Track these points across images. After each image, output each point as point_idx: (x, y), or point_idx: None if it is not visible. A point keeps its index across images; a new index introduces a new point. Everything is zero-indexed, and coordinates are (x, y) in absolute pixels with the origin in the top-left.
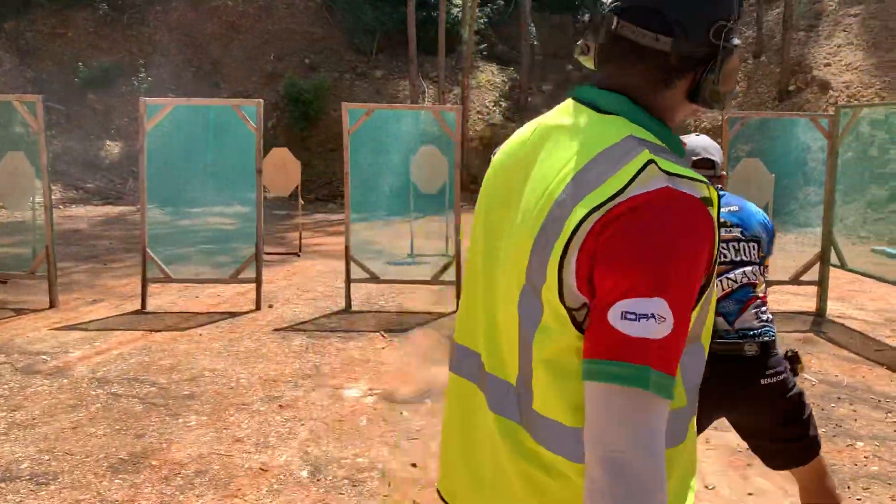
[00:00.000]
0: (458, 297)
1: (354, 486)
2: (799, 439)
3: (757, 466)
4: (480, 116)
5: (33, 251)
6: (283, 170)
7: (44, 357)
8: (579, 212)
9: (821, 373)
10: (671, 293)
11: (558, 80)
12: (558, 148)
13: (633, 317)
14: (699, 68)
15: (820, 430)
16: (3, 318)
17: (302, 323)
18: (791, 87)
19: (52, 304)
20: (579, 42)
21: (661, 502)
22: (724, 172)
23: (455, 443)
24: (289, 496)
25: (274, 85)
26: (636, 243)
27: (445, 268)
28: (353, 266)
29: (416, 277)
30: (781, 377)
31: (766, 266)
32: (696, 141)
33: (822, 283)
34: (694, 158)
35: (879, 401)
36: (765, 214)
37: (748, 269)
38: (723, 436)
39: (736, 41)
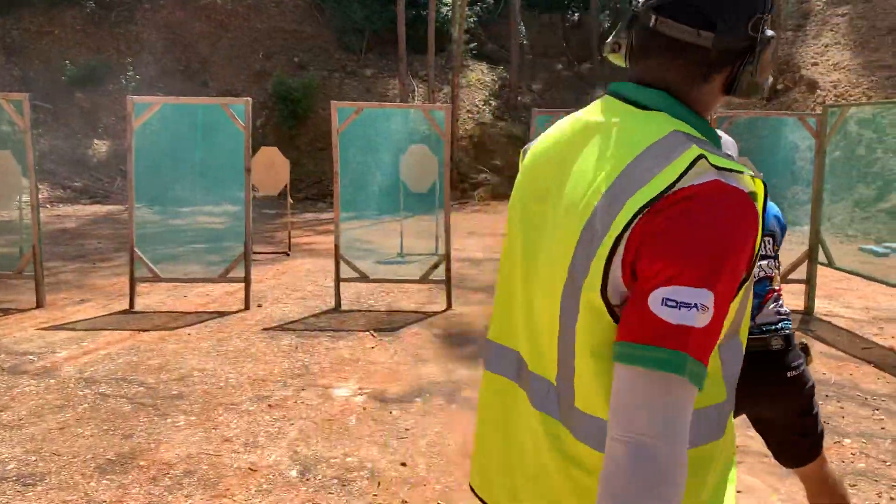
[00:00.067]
0: (448, 296)
1: (344, 485)
2: (812, 434)
3: (746, 464)
4: (470, 115)
5: (20, 251)
6: (272, 169)
7: (31, 357)
8: (631, 207)
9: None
10: (717, 285)
11: (548, 79)
12: (601, 144)
13: (673, 304)
14: (737, 61)
15: None
16: None
17: (291, 322)
18: (779, 87)
19: (40, 304)
20: (609, 40)
21: (680, 490)
22: None
23: (493, 440)
24: (278, 496)
25: (263, 83)
26: (685, 233)
27: (435, 267)
28: (342, 265)
29: (406, 276)
30: (802, 369)
31: (779, 259)
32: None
33: (809, 282)
34: None
35: (866, 398)
36: (778, 208)
37: (764, 262)
38: None
39: (770, 32)
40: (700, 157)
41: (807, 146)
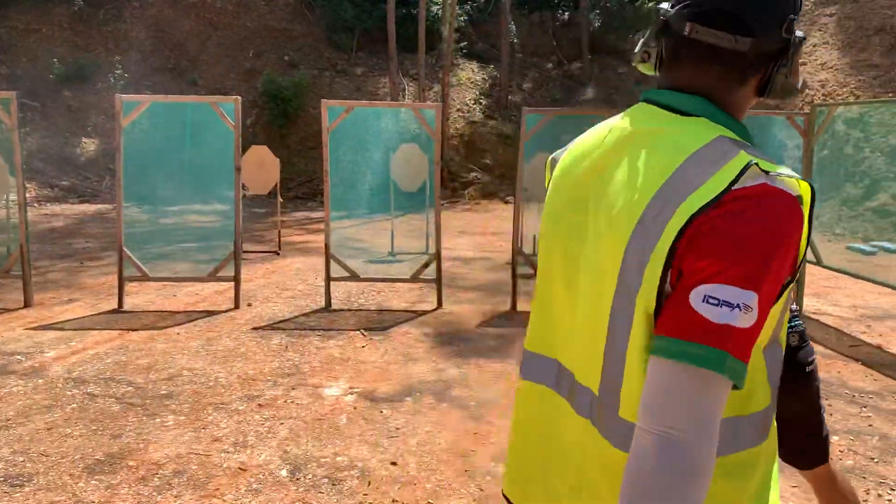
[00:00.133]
0: (438, 295)
1: (334, 484)
2: (823, 432)
3: None
4: (461, 114)
5: (7, 250)
6: (262, 167)
7: (18, 357)
8: (683, 214)
9: None
10: (762, 286)
11: (538, 78)
12: (645, 151)
13: (715, 301)
14: (770, 63)
15: None
16: None
17: (281, 321)
18: None
19: (27, 304)
20: (637, 49)
21: (705, 487)
22: None
23: (531, 449)
24: (268, 495)
25: (253, 82)
26: (733, 233)
27: (426, 266)
28: (332, 264)
29: (397, 275)
30: (815, 364)
31: None
32: None
33: (798, 280)
34: None
35: (854, 396)
36: None
37: None
38: None
39: (800, 33)
40: (751, 163)
41: (795, 145)
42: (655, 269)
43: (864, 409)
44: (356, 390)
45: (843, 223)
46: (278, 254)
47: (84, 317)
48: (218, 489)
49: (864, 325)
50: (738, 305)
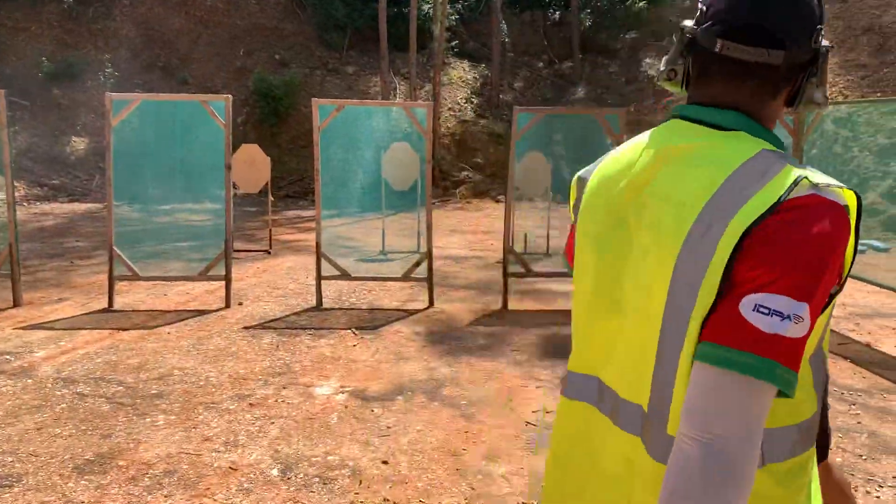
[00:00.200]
0: (430, 294)
1: (325, 484)
2: (827, 430)
3: None
4: (452, 113)
5: None
6: (253, 166)
7: (7, 357)
8: (734, 231)
9: None
10: (813, 297)
11: (529, 77)
12: (687, 168)
13: (765, 311)
14: (801, 74)
15: None
16: None
17: (272, 320)
18: None
19: (16, 303)
20: (662, 68)
21: (746, 495)
22: None
23: (571, 464)
24: (259, 495)
25: (243, 81)
26: (786, 244)
27: (417, 264)
28: (323, 263)
29: (388, 274)
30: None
31: None
32: None
33: None
34: None
35: (843, 393)
36: None
37: None
38: None
39: (826, 43)
40: (801, 177)
41: (784, 144)
42: (711, 287)
43: (852, 406)
44: (347, 389)
45: None
46: (269, 253)
47: (74, 316)
48: (209, 489)
49: (852, 322)
50: (789, 316)
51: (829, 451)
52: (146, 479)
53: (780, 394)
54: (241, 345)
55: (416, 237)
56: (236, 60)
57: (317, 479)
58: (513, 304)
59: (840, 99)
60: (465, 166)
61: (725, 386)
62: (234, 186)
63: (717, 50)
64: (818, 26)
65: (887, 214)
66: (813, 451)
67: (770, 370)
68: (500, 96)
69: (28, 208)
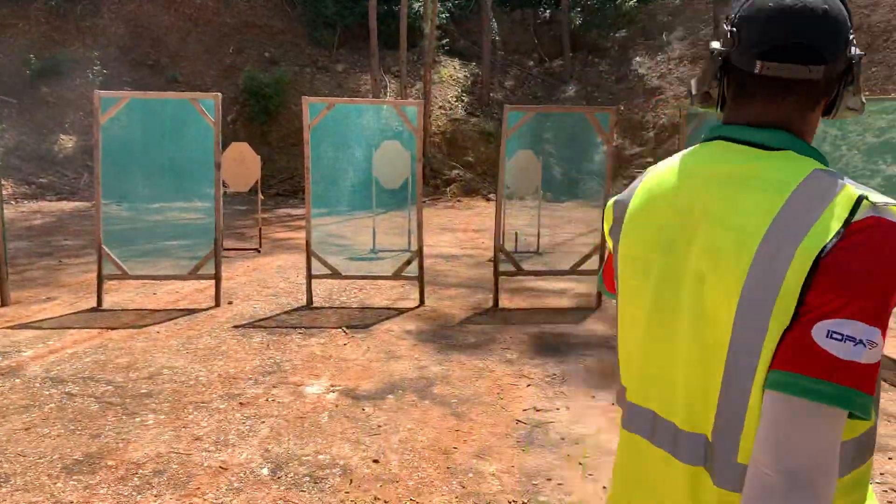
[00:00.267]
0: (420, 292)
1: (316, 483)
2: None
3: None
4: (443, 111)
5: None
6: (243, 164)
7: None
8: (804, 257)
9: None
10: (883, 320)
11: (519, 76)
12: (741, 190)
13: (839, 337)
14: (837, 84)
15: None
16: None
17: (262, 319)
18: None
19: (4, 303)
20: (696, 91)
21: None
22: None
23: (628, 496)
24: (249, 494)
25: (233, 79)
26: (854, 269)
27: (408, 263)
28: (314, 262)
29: (379, 273)
30: None
31: None
32: None
33: None
34: None
35: None
36: None
37: None
38: None
39: (858, 50)
40: (862, 197)
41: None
42: (785, 315)
43: None
44: (338, 388)
45: None
46: (259, 251)
47: (62, 315)
48: (199, 488)
49: None
50: (862, 341)
51: None
52: (135, 479)
53: (852, 415)
54: (231, 344)
55: (406, 235)
56: (226, 58)
57: (307, 479)
58: (503, 303)
59: None
60: (455, 165)
61: (803, 415)
62: (224, 185)
63: (756, 71)
64: (851, 35)
65: None
66: (870, 462)
67: (848, 398)
68: (491, 94)
69: (16, 206)
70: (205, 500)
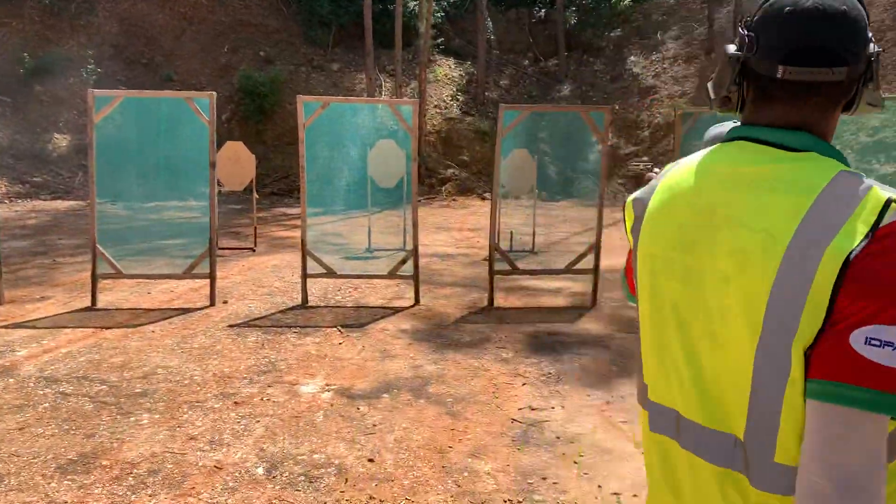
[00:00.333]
0: (416, 291)
1: (311, 482)
2: None
3: None
4: (438, 110)
5: None
6: (238, 163)
7: None
8: (835, 257)
9: None
10: None
11: (514, 75)
12: (766, 193)
13: (877, 343)
14: (858, 81)
15: None
16: None
17: (257, 319)
18: None
19: None
20: (715, 96)
21: None
22: None
23: (659, 496)
24: (244, 494)
25: (228, 78)
26: (886, 272)
27: (403, 262)
28: (309, 261)
29: (374, 272)
30: None
31: None
32: None
33: None
34: None
35: None
36: None
37: None
38: None
39: (876, 47)
40: (890, 200)
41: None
42: (815, 317)
43: None
44: (333, 387)
45: None
46: (254, 250)
47: (56, 315)
48: (193, 488)
49: None
50: None
51: None
52: (130, 479)
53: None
54: (226, 343)
55: (402, 235)
56: (221, 57)
57: (302, 478)
58: (499, 302)
59: None
60: (450, 164)
61: (849, 423)
62: (219, 184)
63: (778, 76)
64: (869, 33)
65: None
66: None
67: (891, 403)
68: (486, 94)
69: (10, 205)
70: (199, 499)
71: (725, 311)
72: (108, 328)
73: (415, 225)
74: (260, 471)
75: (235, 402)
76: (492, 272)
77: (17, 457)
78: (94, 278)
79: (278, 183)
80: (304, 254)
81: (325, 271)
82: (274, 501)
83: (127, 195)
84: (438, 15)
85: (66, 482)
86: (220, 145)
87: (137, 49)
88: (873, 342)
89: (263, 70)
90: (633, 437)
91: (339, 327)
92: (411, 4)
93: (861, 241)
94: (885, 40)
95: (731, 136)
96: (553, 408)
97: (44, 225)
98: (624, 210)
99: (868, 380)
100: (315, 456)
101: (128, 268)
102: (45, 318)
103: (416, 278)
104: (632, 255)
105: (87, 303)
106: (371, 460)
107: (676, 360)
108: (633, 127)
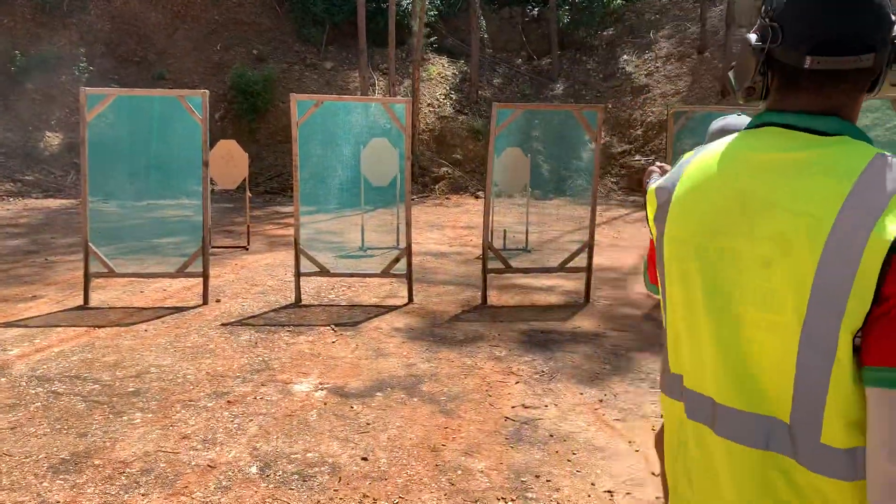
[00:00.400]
0: (409, 289)
1: (304, 480)
2: None
3: None
4: (431, 109)
5: None
6: (231, 162)
7: None
8: (881, 240)
9: None
10: None
11: (508, 74)
12: (805, 177)
13: None
14: (883, 65)
15: None
16: None
17: (250, 317)
18: None
19: None
20: (740, 88)
21: None
22: None
23: (699, 488)
24: (237, 493)
25: (221, 76)
26: None
27: (396, 260)
28: (302, 259)
29: (367, 270)
30: None
31: None
32: (738, 121)
33: None
34: None
35: None
36: None
37: None
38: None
39: None
40: None
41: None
42: (862, 299)
43: None
44: (326, 386)
45: None
46: (247, 249)
47: (49, 314)
48: (186, 487)
49: None
50: None
51: None
52: (123, 478)
53: None
54: (219, 342)
55: (395, 233)
56: (214, 55)
57: (296, 477)
58: (492, 300)
59: None
60: (444, 162)
61: None
62: (212, 182)
63: (806, 66)
64: (893, 16)
65: None
66: None
67: None
68: (479, 92)
69: (1, 204)
70: (193, 498)
71: (767, 295)
72: (100, 327)
73: (408, 223)
74: (253, 469)
75: (229, 401)
76: (485, 270)
77: (8, 456)
78: (87, 277)
79: (271, 181)
80: (298, 252)
81: (318, 270)
82: (267, 500)
83: (119, 193)
84: (432, 13)
85: (58, 482)
86: (213, 144)
87: (130, 47)
88: None
89: (256, 68)
90: (627, 435)
91: (333, 326)
92: (405, 3)
93: None
94: None
95: (757, 123)
96: (546, 406)
97: (36, 223)
98: (646, 199)
99: None
100: (308, 455)
101: (120, 266)
102: (38, 316)
103: (409, 277)
104: (654, 244)
105: (80, 302)
106: (365, 459)
107: (706, 345)
108: (626, 125)
